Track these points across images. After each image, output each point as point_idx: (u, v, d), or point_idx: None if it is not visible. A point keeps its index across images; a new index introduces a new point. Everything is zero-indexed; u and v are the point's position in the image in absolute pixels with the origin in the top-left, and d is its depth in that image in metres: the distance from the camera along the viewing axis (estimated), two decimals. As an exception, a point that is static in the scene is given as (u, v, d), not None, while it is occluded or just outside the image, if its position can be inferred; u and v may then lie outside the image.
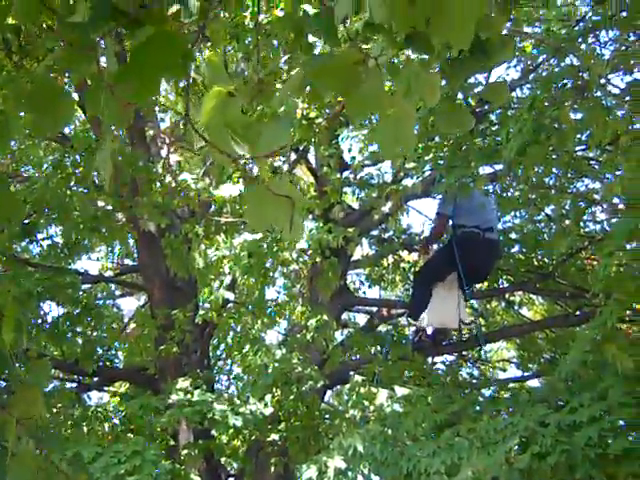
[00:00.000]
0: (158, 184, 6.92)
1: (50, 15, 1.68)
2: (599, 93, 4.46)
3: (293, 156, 7.08)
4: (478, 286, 7.68)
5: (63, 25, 1.64)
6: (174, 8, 1.75)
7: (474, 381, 7.82)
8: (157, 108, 8.28)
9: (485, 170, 6.20)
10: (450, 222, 6.88)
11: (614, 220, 6.42)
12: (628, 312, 4.71)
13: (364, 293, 9.27)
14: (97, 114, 1.78)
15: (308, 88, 2.01)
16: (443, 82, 2.19)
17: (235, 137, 1.78)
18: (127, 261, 9.99)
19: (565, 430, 3.83)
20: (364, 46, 1.94)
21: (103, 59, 1.78)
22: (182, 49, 1.68)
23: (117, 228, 7.50)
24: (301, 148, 7.01)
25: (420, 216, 8.79)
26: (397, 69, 2.00)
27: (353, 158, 7.14)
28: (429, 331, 7.01)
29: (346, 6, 1.84)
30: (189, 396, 5.98)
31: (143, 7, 1.70)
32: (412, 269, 8.31)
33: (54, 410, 6.90)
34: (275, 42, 5.03)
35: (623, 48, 4.76)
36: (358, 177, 7.07)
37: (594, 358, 4.45)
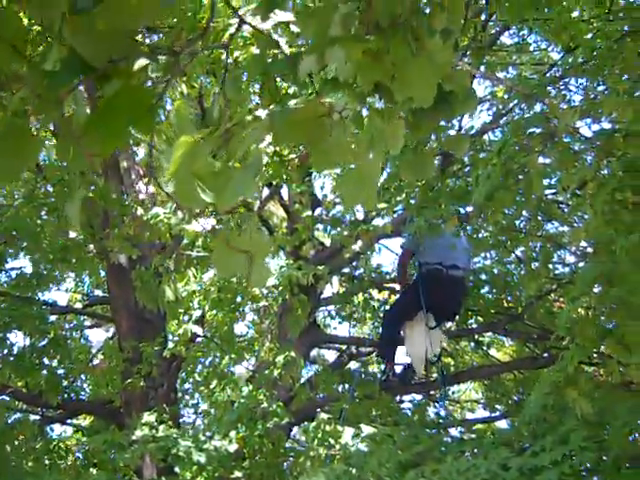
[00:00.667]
0: (130, 217, 6.91)
1: (21, 61, 1.70)
2: (568, 139, 4.54)
3: (266, 192, 7.11)
4: (448, 325, 7.72)
5: (33, 73, 1.67)
6: (142, 62, 1.78)
7: (441, 421, 7.83)
8: (131, 141, 8.29)
9: (456, 211, 6.27)
10: (416, 261, 6.95)
11: (581, 264, 6.51)
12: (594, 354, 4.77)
13: (334, 329, 9.29)
14: (66, 160, 1.80)
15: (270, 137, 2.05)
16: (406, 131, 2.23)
17: (202, 186, 1.81)
18: (97, 292, 9.92)
19: (527, 474, 3.84)
20: (328, 100, 1.98)
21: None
22: (148, 103, 1.71)
23: (87, 259, 7.47)
24: (274, 184, 7.05)
25: (391, 254, 8.86)
26: (361, 122, 2.04)
27: (325, 196, 7.21)
28: (397, 370, 7.02)
29: (310, 63, 1.89)
30: (154, 431, 5.93)
31: (111, 62, 1.73)
32: (382, 307, 8.34)
33: (15, 442, 6.80)
34: (244, 83, 5.09)
35: (592, 96, 4.86)
36: (330, 215, 7.11)
37: (557, 402, 4.48)
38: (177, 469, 6.25)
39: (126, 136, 1.76)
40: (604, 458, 3.79)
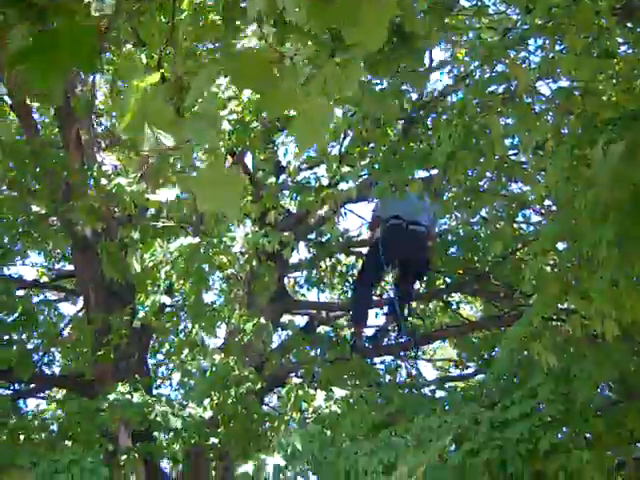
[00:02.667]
0: (93, 188, 6.85)
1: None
2: (528, 99, 4.58)
3: (229, 160, 7.09)
4: (416, 287, 7.80)
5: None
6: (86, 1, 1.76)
7: (412, 381, 7.93)
8: (93, 111, 8.21)
9: (420, 174, 6.31)
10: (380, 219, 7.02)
11: (544, 222, 6.60)
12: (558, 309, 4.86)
13: (303, 295, 9.33)
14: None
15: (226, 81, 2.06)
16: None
17: (158, 131, 1.81)
18: (62, 266, 9.83)
19: (497, 427, 3.94)
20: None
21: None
22: (90, 41, 1.69)
23: (51, 232, 7.41)
24: (237, 151, 7.03)
25: (357, 219, 8.90)
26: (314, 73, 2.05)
27: (289, 162, 7.20)
28: (369, 332, 7.10)
29: (259, 3, 1.88)
30: (129, 397, 5.94)
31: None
32: (349, 272, 8.41)
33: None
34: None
35: (550, 56, 4.89)
36: (294, 181, 7.12)
37: (524, 357, 4.58)
38: (154, 434, 6.29)
39: (65, 71, 1.73)
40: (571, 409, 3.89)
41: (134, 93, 1.81)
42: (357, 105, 5.66)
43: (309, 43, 2.04)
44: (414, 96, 6.74)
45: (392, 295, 7.05)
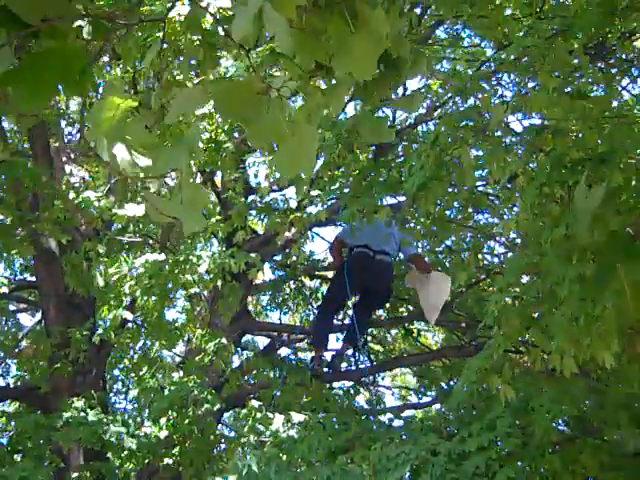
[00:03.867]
0: (60, 200, 6.79)
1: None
2: (499, 133, 4.63)
3: (199, 178, 7.07)
4: (378, 314, 7.82)
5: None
6: (77, 23, 1.75)
7: (369, 407, 7.93)
8: (63, 121, 8.16)
9: (389, 201, 6.35)
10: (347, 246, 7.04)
11: (510, 255, 6.67)
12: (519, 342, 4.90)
13: (267, 316, 9.31)
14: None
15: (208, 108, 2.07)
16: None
17: (136, 153, 1.80)
18: (24, 277, 9.70)
19: (455, 459, 3.95)
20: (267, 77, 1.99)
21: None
22: (81, 65, 1.68)
23: (15, 242, 7.31)
24: (207, 170, 7.02)
25: (323, 242, 8.91)
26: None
27: (258, 183, 7.20)
28: (328, 357, 7.09)
29: (244, 25, 1.88)
30: (84, 414, 5.86)
31: (45, 21, 1.69)
32: (313, 295, 8.40)
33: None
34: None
35: (523, 92, 4.97)
36: (263, 202, 7.11)
37: (483, 389, 4.60)
38: (108, 455, 6.20)
39: (52, 94, 1.72)
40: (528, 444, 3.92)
41: (111, 110, 1.80)
42: (330, 129, 5.69)
43: (296, 74, 2.05)
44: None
45: (351, 321, 7.06)
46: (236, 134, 6.43)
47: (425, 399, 8.73)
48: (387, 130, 2.84)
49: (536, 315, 4.03)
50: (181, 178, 1.93)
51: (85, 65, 1.70)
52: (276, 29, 1.87)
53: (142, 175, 1.82)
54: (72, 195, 6.59)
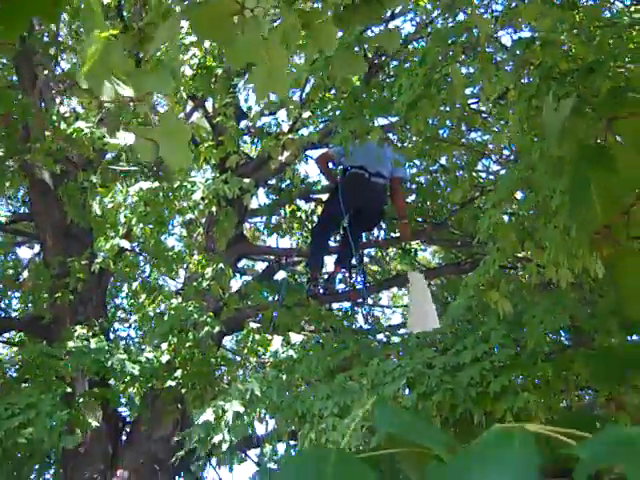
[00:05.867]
0: (51, 131, 6.75)
1: None
2: (490, 49, 4.59)
3: (190, 104, 7.03)
4: (375, 234, 7.87)
5: None
6: None
7: (368, 327, 8.05)
8: (52, 50, 8.05)
9: (380, 122, 6.32)
10: (341, 166, 7.04)
11: (503, 172, 6.67)
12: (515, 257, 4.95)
13: (264, 241, 9.36)
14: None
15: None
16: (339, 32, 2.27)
17: (117, 81, 1.80)
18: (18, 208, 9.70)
19: (449, 371, 4.04)
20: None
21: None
22: None
23: (8, 175, 7.30)
24: (199, 96, 6.97)
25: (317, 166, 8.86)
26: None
27: (249, 108, 7.15)
28: (324, 278, 7.16)
29: None
30: (86, 343, 5.95)
31: None
32: (309, 218, 8.43)
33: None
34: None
35: (513, 5, 4.90)
36: (255, 127, 7.08)
37: (479, 304, 4.67)
38: (111, 382, 6.32)
39: (27, 23, 1.72)
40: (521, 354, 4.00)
41: (95, 42, 1.80)
42: (320, 52, 5.63)
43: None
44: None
45: (342, 239, 7.11)
46: (225, 58, 6.35)
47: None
48: (360, 62, 2.84)
49: (530, 230, 4.07)
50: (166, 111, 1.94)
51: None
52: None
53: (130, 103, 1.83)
54: (63, 126, 6.55)
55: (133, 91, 1.82)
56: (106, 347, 6.00)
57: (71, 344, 5.91)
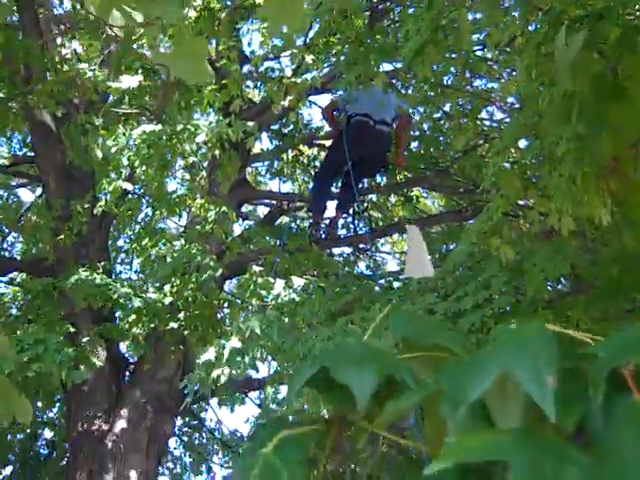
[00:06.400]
0: (53, 73, 6.69)
1: None
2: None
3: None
4: (377, 180, 7.85)
5: None
6: None
7: (369, 272, 8.08)
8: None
9: (385, 67, 6.27)
10: (345, 112, 6.99)
11: (508, 119, 6.64)
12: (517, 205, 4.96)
13: (266, 185, 9.37)
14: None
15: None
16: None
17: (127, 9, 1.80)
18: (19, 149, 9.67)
19: (451, 317, 4.08)
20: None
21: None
22: None
23: (9, 116, 7.25)
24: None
25: (320, 110, 8.81)
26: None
27: (253, 52, 7.10)
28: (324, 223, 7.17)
29: None
30: (91, 277, 5.99)
31: None
32: (311, 163, 8.42)
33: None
34: None
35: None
36: (258, 71, 7.02)
37: (481, 251, 4.70)
38: (116, 315, 6.40)
39: None
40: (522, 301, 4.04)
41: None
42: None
43: None
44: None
45: (343, 185, 7.10)
46: (229, 2, 6.30)
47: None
48: None
49: (534, 177, 4.07)
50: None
51: None
52: None
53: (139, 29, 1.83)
54: (65, 67, 6.49)
55: (142, 17, 1.82)
56: (110, 282, 6.04)
57: (76, 277, 5.93)
